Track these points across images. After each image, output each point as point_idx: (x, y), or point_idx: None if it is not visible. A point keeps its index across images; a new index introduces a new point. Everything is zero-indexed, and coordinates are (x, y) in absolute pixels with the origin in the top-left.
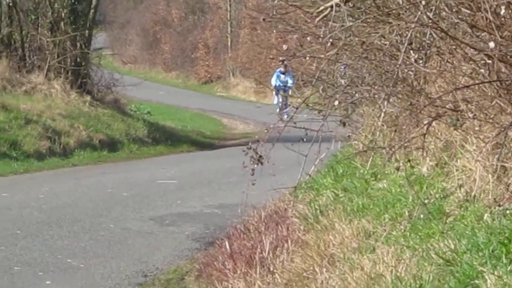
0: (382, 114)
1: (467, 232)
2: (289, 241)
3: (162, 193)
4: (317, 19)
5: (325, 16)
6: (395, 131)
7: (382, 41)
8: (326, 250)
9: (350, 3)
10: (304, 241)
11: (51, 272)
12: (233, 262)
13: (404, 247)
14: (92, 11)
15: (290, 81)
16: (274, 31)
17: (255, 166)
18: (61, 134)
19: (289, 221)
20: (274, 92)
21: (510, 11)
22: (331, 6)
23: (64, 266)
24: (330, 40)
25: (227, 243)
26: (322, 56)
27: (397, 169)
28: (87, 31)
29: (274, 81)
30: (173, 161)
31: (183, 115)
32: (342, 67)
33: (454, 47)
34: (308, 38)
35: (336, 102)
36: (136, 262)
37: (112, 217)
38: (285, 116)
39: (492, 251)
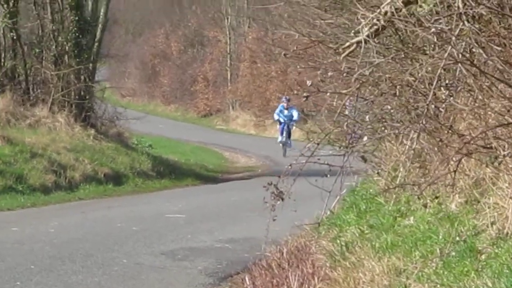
0: (408, 150)
1: (504, 270)
2: (316, 278)
3: (171, 228)
4: (343, 55)
5: (351, 52)
6: (420, 167)
7: (411, 78)
8: (356, 287)
9: (375, 39)
10: (332, 278)
11: None
12: None
13: (438, 285)
14: (96, 44)
15: (295, 115)
16: (298, 67)
17: (277, 202)
18: (67, 167)
19: (314, 258)
20: (278, 128)
21: None
22: (358, 42)
23: None
24: (356, 76)
25: (247, 279)
26: (344, 91)
27: (425, 206)
28: (91, 65)
29: (276, 116)
30: (179, 195)
31: (184, 148)
32: (348, 102)
33: (486, 83)
34: (329, 73)
35: (365, 138)
36: None
37: (124, 251)
38: (288, 149)
39: None
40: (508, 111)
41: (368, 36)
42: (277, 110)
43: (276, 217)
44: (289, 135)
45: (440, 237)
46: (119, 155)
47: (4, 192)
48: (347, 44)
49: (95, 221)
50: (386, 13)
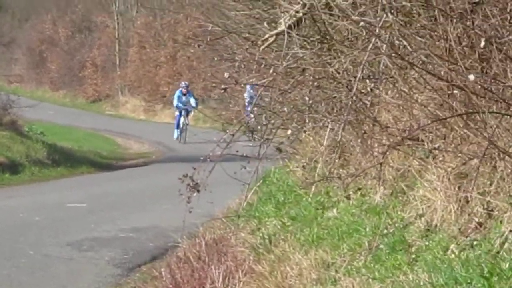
0: (332, 142)
1: (437, 263)
2: (240, 272)
3: (74, 217)
4: (262, 47)
5: (270, 44)
6: (339, 158)
7: (334, 69)
8: (284, 281)
9: (294, 31)
10: (257, 271)
11: None
12: None
13: (370, 279)
14: None
15: (193, 102)
16: (215, 58)
17: (194, 194)
18: None
19: (235, 251)
20: (176, 113)
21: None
22: (277, 34)
23: None
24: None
25: (164, 272)
26: (259, 83)
27: (347, 197)
28: None
29: (176, 102)
30: (77, 183)
31: (76, 135)
32: (248, 87)
33: (412, 76)
34: (238, 64)
35: (289, 132)
36: None
37: (29, 242)
38: (185, 136)
39: (474, 285)
40: (442, 105)
41: (289, 28)
42: (175, 96)
43: (192, 209)
44: (186, 119)
45: (368, 229)
46: (14, 144)
47: None
48: (267, 36)
49: None
50: (305, 4)
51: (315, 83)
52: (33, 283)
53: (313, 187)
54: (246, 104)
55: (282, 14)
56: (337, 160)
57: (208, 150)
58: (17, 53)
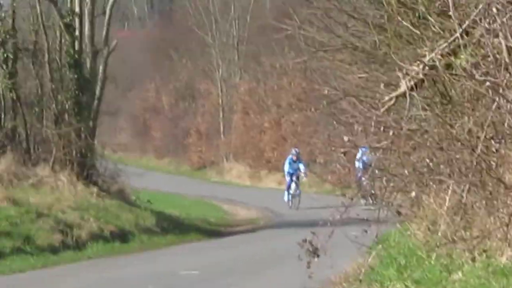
0: (456, 204)
1: None
2: None
3: (188, 285)
4: (382, 109)
5: (390, 106)
6: (460, 219)
7: (457, 131)
8: None
9: (415, 92)
10: None
11: None
12: None
13: None
14: (96, 101)
15: (302, 167)
16: (335, 122)
17: (314, 259)
18: (73, 226)
19: None
20: (287, 179)
21: None
22: (397, 96)
23: None
24: (390, 129)
25: None
26: (378, 145)
27: (472, 260)
28: (91, 122)
29: (287, 168)
30: (188, 251)
31: (182, 203)
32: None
33: None
34: (358, 128)
35: (413, 194)
36: None
37: None
38: (298, 201)
39: None
40: None
41: (410, 89)
42: (286, 162)
43: (312, 274)
44: (297, 186)
45: None
46: (123, 212)
47: (12, 254)
48: (387, 98)
49: (112, 281)
50: (425, 65)
51: (437, 145)
52: None
53: (435, 250)
54: (357, 167)
55: (401, 76)
56: (460, 222)
57: (318, 215)
58: (121, 122)
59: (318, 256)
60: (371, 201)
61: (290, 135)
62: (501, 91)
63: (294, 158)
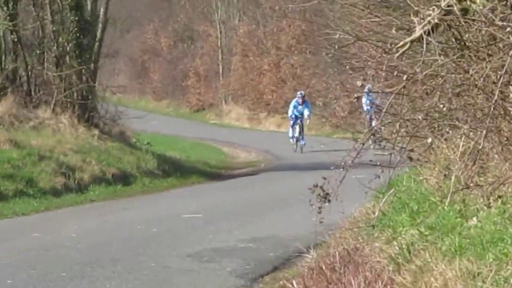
0: (472, 149)
1: None
2: (380, 283)
3: (191, 228)
4: (397, 54)
5: (405, 51)
6: (474, 164)
7: (475, 76)
8: None
9: (431, 37)
10: (399, 282)
11: None
12: None
13: None
14: (97, 44)
15: (306, 112)
16: (347, 67)
17: (325, 204)
18: (75, 169)
19: (370, 261)
20: (290, 123)
21: None
22: (412, 41)
23: None
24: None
25: (301, 284)
26: (389, 90)
27: (488, 206)
28: (92, 65)
29: (291, 112)
30: (190, 193)
31: (182, 145)
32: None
33: None
34: (370, 72)
35: (429, 140)
36: None
37: (149, 255)
38: (302, 146)
39: None
40: None
41: (425, 34)
42: (291, 106)
43: (323, 219)
44: (301, 130)
45: None
46: (124, 155)
47: (15, 196)
48: (401, 43)
49: (115, 224)
50: (441, 10)
51: (453, 90)
52: None
53: (449, 195)
54: (365, 111)
55: (416, 21)
56: (473, 168)
57: (318, 158)
58: (120, 64)
59: (329, 201)
60: (380, 146)
61: (289, 78)
62: None
63: (300, 101)
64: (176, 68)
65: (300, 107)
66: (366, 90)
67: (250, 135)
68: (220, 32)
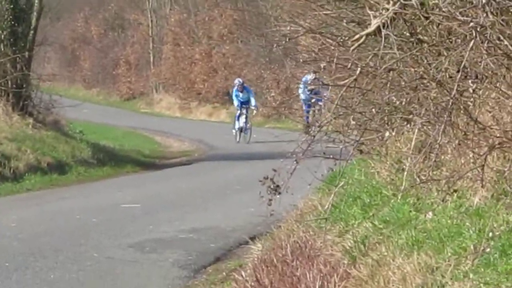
0: (430, 143)
1: None
2: (335, 277)
3: (130, 218)
4: (352, 47)
5: (360, 44)
6: (426, 158)
7: (433, 71)
8: (387, 286)
9: (388, 30)
10: (355, 276)
11: None
12: None
13: (481, 284)
14: (31, 32)
15: (253, 101)
16: (300, 59)
17: (276, 196)
18: (10, 158)
19: (324, 254)
20: (237, 113)
21: None
22: (367, 34)
23: None
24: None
25: (252, 276)
26: (342, 83)
27: (443, 200)
28: (27, 53)
29: (236, 101)
30: (126, 183)
31: (115, 134)
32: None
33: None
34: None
35: (387, 134)
36: None
37: (91, 245)
38: (246, 136)
39: None
40: None
41: (381, 27)
42: (233, 95)
43: (273, 212)
44: (247, 119)
45: (471, 232)
46: (59, 144)
47: None
48: (357, 36)
49: (54, 213)
50: (395, 3)
51: (412, 84)
52: (104, 287)
53: (402, 188)
54: (303, 103)
55: (372, 14)
56: (426, 162)
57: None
58: (49, 52)
59: (279, 193)
60: (330, 138)
61: (221, 67)
62: (486, 32)
63: (240, 89)
64: (106, 57)
65: (241, 94)
66: (303, 80)
67: (182, 124)
68: (151, 20)
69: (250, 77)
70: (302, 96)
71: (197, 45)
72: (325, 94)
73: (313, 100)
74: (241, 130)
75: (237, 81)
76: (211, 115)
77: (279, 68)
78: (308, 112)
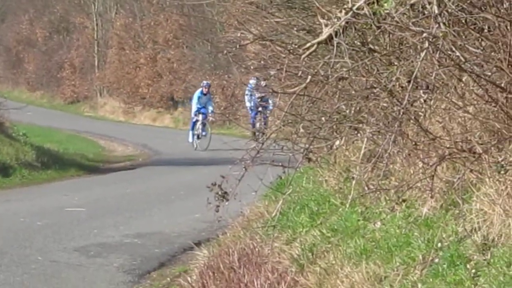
0: (381, 153)
1: (502, 279)
2: (283, 284)
3: (75, 222)
4: (303, 55)
5: (311, 53)
6: (373, 168)
7: (385, 81)
8: None
9: (340, 39)
10: (303, 284)
11: None
12: None
13: None
14: None
15: (210, 108)
16: (250, 66)
17: (224, 202)
18: None
19: (271, 261)
20: (193, 116)
21: None
22: (318, 43)
23: None
24: (310, 76)
25: (198, 283)
26: (291, 91)
27: (391, 209)
28: None
29: (195, 105)
30: (71, 187)
31: (58, 137)
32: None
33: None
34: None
35: (337, 142)
36: None
37: (36, 248)
38: (205, 144)
39: None
40: (497, 116)
41: (331, 36)
42: (195, 96)
43: (221, 218)
44: (204, 125)
45: (420, 242)
46: (3, 146)
47: None
48: (308, 44)
49: None
50: (347, 12)
51: (362, 94)
52: None
53: (350, 197)
54: (249, 110)
55: (323, 22)
56: (375, 171)
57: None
58: None
59: (227, 200)
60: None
61: (165, 72)
62: (439, 43)
63: (205, 91)
64: (51, 59)
65: (204, 97)
66: (249, 87)
67: (126, 128)
68: (97, 24)
69: (195, 83)
70: (248, 104)
71: (142, 49)
72: (270, 102)
73: (259, 109)
74: (198, 136)
75: (205, 83)
76: (155, 120)
77: (224, 74)
78: (254, 118)
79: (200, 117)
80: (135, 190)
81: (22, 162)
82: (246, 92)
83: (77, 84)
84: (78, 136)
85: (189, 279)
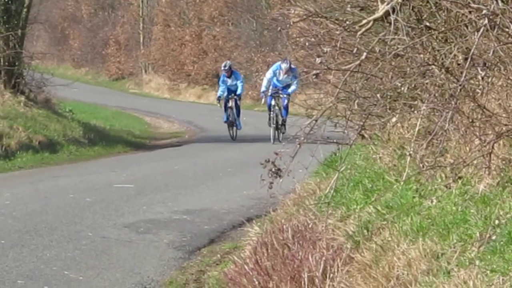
0: (439, 130)
1: None
2: (338, 261)
3: (125, 199)
4: (359, 32)
5: (367, 30)
6: (427, 146)
7: (442, 58)
8: (391, 271)
9: (400, 17)
10: (359, 261)
11: (55, 286)
12: (272, 282)
13: (487, 271)
14: (25, 10)
15: (240, 88)
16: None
17: (277, 179)
18: (2, 136)
19: (324, 238)
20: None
21: None
22: (374, 20)
23: (64, 279)
24: (365, 53)
25: (252, 260)
26: (346, 67)
27: (446, 186)
28: (20, 31)
29: (221, 90)
30: (119, 163)
31: (104, 114)
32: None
33: None
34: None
35: (394, 119)
36: (131, 273)
37: (86, 224)
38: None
39: None
40: None
41: (387, 13)
42: (220, 83)
43: (273, 195)
44: (238, 112)
45: (477, 220)
46: (50, 122)
47: None
48: (364, 21)
49: (47, 192)
50: None
51: (419, 70)
52: (100, 267)
53: (405, 174)
54: (261, 94)
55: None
56: (430, 148)
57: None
58: (38, 30)
59: (280, 176)
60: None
61: (211, 49)
62: (497, 19)
63: (227, 74)
64: (96, 36)
65: (229, 80)
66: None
67: (171, 105)
68: (142, 1)
69: (240, 60)
70: (263, 88)
71: (188, 26)
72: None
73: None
74: (232, 124)
75: (225, 64)
76: (200, 97)
77: (269, 51)
78: (270, 103)
79: (230, 105)
80: (182, 167)
81: (70, 139)
82: (269, 75)
83: (122, 61)
84: (123, 112)
85: (242, 255)
